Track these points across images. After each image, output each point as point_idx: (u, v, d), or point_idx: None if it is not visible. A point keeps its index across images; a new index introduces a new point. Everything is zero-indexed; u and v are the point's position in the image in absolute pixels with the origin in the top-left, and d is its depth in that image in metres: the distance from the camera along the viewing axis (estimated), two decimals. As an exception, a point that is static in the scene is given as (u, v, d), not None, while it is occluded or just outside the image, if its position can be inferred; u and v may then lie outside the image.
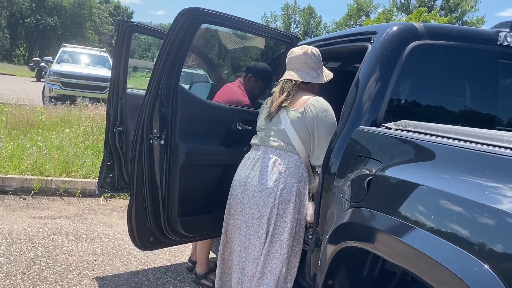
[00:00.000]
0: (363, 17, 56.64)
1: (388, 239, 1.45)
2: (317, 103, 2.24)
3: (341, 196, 1.83)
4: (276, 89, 2.39)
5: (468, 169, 1.34)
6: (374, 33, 2.21)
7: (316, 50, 2.38)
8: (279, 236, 2.16)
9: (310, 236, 2.22)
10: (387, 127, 1.86)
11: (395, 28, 2.12)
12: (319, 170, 2.18)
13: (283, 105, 2.27)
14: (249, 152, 2.41)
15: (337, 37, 2.71)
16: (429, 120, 1.86)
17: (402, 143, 1.65)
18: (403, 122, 1.81)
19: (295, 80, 2.32)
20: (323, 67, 2.44)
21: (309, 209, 2.23)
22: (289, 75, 2.36)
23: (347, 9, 59.80)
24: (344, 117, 2.08)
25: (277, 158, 2.23)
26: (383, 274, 1.83)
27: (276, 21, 66.00)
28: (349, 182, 1.80)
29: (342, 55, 3.20)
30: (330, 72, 2.45)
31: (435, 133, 1.58)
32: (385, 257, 1.50)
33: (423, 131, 1.65)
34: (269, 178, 2.19)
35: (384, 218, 1.50)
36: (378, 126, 1.93)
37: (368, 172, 1.69)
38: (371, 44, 2.16)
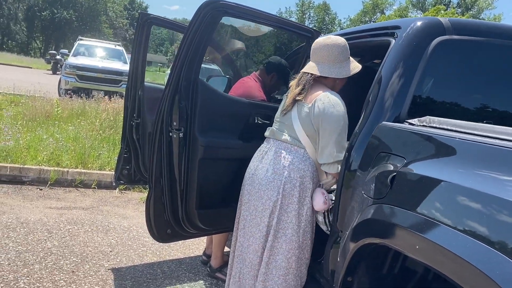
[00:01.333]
0: (378, 14, 56.12)
1: (412, 236, 1.42)
2: (326, 99, 2.13)
3: (363, 193, 1.81)
4: (293, 82, 2.32)
5: (494, 166, 1.31)
6: (398, 27, 2.17)
7: (341, 41, 2.23)
8: (284, 231, 2.14)
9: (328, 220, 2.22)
10: (410, 123, 1.83)
11: (419, 23, 2.08)
12: (324, 169, 2.16)
13: (296, 98, 2.20)
14: (261, 145, 2.39)
15: (358, 32, 2.67)
16: (453, 117, 1.82)
17: (427, 140, 1.62)
18: (427, 118, 1.78)
19: (311, 73, 2.22)
20: (351, 59, 2.30)
21: (318, 197, 2.18)
22: (307, 67, 2.27)
23: (362, 6, 59.29)
24: (366, 113, 2.05)
25: (283, 151, 2.20)
26: (403, 271, 1.81)
27: (290, 17, 65.76)
28: (371, 179, 1.78)
29: (363, 50, 3.16)
30: (358, 65, 2.30)
31: (461, 129, 1.55)
32: (408, 254, 1.48)
33: (448, 127, 1.62)
34: (274, 172, 2.17)
35: (408, 215, 1.47)
36: (401, 122, 1.90)
37: (391, 168, 1.67)
38: (395, 39, 2.13)
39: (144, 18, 3.43)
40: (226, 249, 3.50)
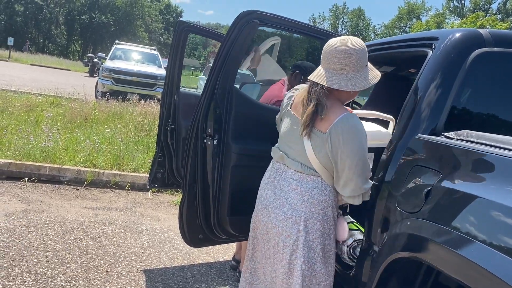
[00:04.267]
0: (414, 20, 55.12)
1: (446, 252, 1.40)
2: (344, 127, 1.79)
3: (396, 206, 1.79)
4: (299, 93, 2.00)
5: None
6: (436, 39, 2.15)
7: (360, 45, 1.84)
8: (312, 267, 1.92)
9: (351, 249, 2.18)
10: (447, 137, 1.80)
11: (458, 35, 2.05)
12: (349, 201, 1.92)
13: (316, 126, 1.84)
14: (270, 166, 2.13)
15: (395, 42, 2.66)
16: (491, 132, 1.79)
17: (464, 154, 1.59)
18: (464, 132, 1.75)
19: (322, 84, 1.84)
20: (369, 65, 1.92)
21: (342, 225, 2.07)
22: (317, 75, 1.87)
23: (397, 11, 58.42)
24: (401, 125, 2.04)
25: (298, 184, 1.92)
26: (436, 287, 1.78)
27: (323, 22, 65.52)
28: (405, 192, 1.76)
29: (398, 60, 3.13)
30: (377, 74, 1.93)
31: (500, 145, 1.52)
32: (441, 271, 1.46)
33: (486, 142, 1.59)
34: (291, 208, 1.91)
35: (442, 230, 1.45)
36: (438, 135, 1.88)
37: (426, 182, 1.65)
38: (432, 51, 2.11)
39: (181, 26, 3.52)
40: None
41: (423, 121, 1.96)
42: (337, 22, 65.91)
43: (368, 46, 2.95)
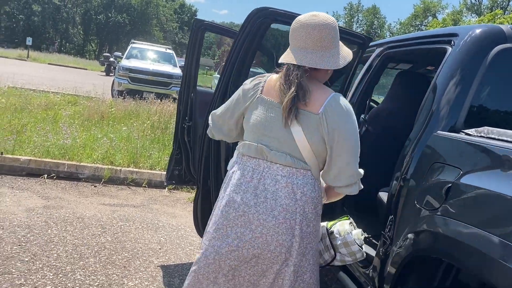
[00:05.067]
0: (430, 18, 54.45)
1: (467, 249, 1.40)
2: (338, 105, 1.64)
3: (415, 203, 1.78)
4: (273, 77, 1.75)
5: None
6: (455, 35, 2.13)
7: (333, 19, 1.69)
8: (302, 277, 1.70)
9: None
10: (467, 134, 1.79)
11: (478, 31, 2.03)
12: (344, 191, 1.73)
13: (300, 108, 1.63)
14: (239, 165, 1.75)
15: (412, 39, 2.64)
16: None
17: (485, 151, 1.58)
18: (485, 129, 1.73)
19: (303, 66, 1.63)
20: (340, 42, 1.75)
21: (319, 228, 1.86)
22: (294, 56, 1.65)
23: (413, 9, 57.74)
24: (419, 122, 2.03)
25: (288, 180, 1.65)
26: (456, 284, 1.77)
27: (338, 21, 64.70)
28: (424, 189, 1.76)
29: (416, 57, 3.11)
30: (349, 50, 1.78)
31: (521, 142, 1.51)
32: (462, 268, 1.45)
33: (508, 139, 1.58)
34: (284, 210, 1.63)
35: (462, 227, 1.45)
36: (457, 132, 1.86)
37: (446, 179, 1.64)
38: (451, 47, 2.09)
39: (198, 24, 3.54)
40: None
41: (442, 118, 1.95)
42: (352, 20, 65.44)
43: (385, 43, 2.95)
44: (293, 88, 1.60)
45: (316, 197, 1.71)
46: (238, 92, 1.83)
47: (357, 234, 1.93)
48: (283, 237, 1.64)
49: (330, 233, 1.95)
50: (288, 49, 1.70)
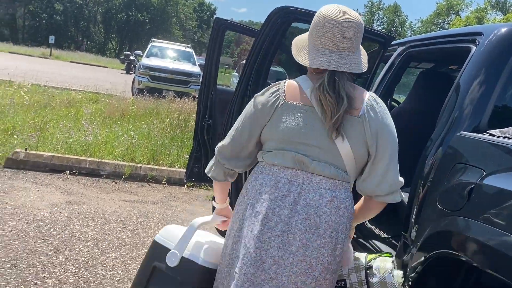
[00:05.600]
0: (453, 16, 53.51)
1: (490, 251, 1.38)
2: (378, 104, 1.54)
3: (437, 203, 1.76)
4: (301, 80, 1.57)
5: None
6: (480, 34, 2.09)
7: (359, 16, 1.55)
8: None
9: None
10: (491, 134, 1.76)
11: (504, 30, 1.99)
12: (386, 200, 1.57)
13: (353, 114, 1.49)
14: (267, 176, 1.53)
15: (436, 37, 2.61)
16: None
17: (510, 152, 1.55)
18: (510, 129, 1.70)
19: (344, 72, 1.50)
20: None
21: (351, 251, 1.76)
22: (330, 60, 1.49)
23: (435, 7, 56.81)
24: (442, 122, 2.00)
25: (333, 194, 1.49)
26: (477, 287, 1.74)
27: (358, 19, 64.44)
28: (446, 190, 1.73)
29: (439, 56, 3.07)
30: (363, 49, 1.67)
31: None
32: (485, 270, 1.43)
33: (534, 140, 1.55)
34: (328, 227, 1.47)
35: (485, 229, 1.43)
36: (481, 132, 1.83)
37: (469, 180, 1.62)
38: (476, 46, 2.06)
39: (219, 23, 3.56)
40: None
41: (466, 119, 1.92)
42: (372, 18, 64.79)
43: (408, 42, 2.92)
44: (345, 99, 1.44)
45: (353, 213, 1.58)
46: (250, 108, 1.59)
47: (398, 276, 1.78)
48: (328, 259, 1.47)
49: (368, 268, 1.80)
50: (315, 49, 1.53)
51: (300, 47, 1.61)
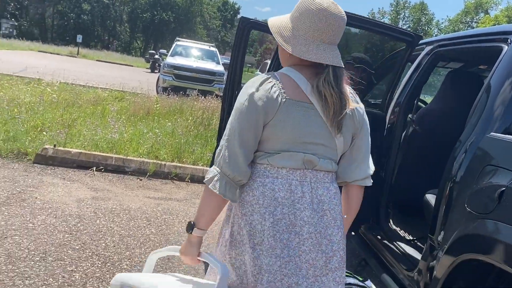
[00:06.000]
0: (481, 14, 52.24)
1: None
2: (356, 95, 1.57)
3: (465, 206, 1.73)
4: (293, 73, 1.47)
5: None
6: (512, 33, 2.05)
7: None
8: None
9: None
10: (523, 136, 1.72)
11: (538, 28, 1.94)
12: (366, 183, 1.59)
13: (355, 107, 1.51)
14: (278, 180, 1.45)
15: (465, 37, 2.56)
16: None
17: (543, 155, 1.52)
18: (543, 131, 1.66)
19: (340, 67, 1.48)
20: None
21: None
22: (328, 55, 1.44)
23: (463, 5, 55.57)
24: (471, 123, 1.96)
25: (334, 186, 1.53)
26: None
27: (383, 17, 63.68)
28: (475, 192, 1.70)
29: (468, 56, 3.01)
30: None
31: None
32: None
33: None
34: (339, 218, 1.51)
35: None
36: (512, 134, 1.79)
37: (499, 182, 1.58)
38: (508, 45, 2.01)
39: (244, 22, 3.57)
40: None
41: (496, 120, 1.87)
42: (398, 17, 63.82)
43: (436, 41, 2.87)
44: (345, 95, 1.45)
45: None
46: (249, 107, 1.41)
47: None
48: (343, 247, 1.52)
49: None
50: (311, 41, 1.43)
51: (288, 37, 1.47)
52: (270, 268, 1.42)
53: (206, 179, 1.47)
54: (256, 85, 1.43)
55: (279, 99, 1.41)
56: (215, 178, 1.44)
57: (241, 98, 1.44)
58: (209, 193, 1.47)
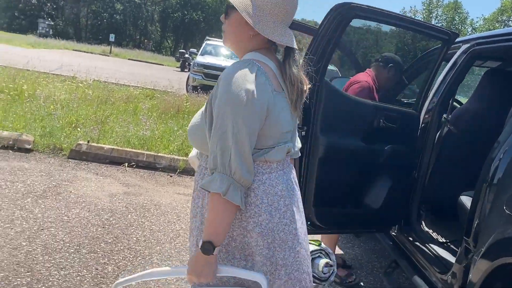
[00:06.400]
0: (519, 12, 50.44)
1: None
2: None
3: (504, 209, 1.68)
4: (269, 60, 1.40)
5: None
6: (556, 30, 1.97)
7: None
8: None
9: None
10: None
11: None
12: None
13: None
14: (284, 174, 1.43)
15: (504, 34, 2.48)
16: None
17: None
18: None
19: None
20: None
21: None
22: (292, 38, 1.40)
23: (499, 3, 53.78)
24: (510, 123, 1.90)
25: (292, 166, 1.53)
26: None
27: (415, 16, 62.32)
28: (515, 194, 1.65)
29: (507, 54, 2.92)
30: None
31: None
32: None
33: None
34: (299, 195, 1.55)
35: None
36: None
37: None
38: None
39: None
40: (338, 251, 3.50)
41: (538, 120, 1.81)
42: (430, 15, 62.32)
43: (472, 39, 2.80)
44: (305, 80, 1.44)
45: None
46: (253, 103, 1.27)
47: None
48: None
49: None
50: (279, 23, 1.37)
51: (258, 17, 1.35)
52: (285, 262, 1.40)
53: (219, 189, 1.25)
54: (250, 79, 1.28)
55: (271, 93, 1.34)
56: (231, 188, 1.26)
57: (239, 94, 1.26)
58: (226, 206, 1.27)
